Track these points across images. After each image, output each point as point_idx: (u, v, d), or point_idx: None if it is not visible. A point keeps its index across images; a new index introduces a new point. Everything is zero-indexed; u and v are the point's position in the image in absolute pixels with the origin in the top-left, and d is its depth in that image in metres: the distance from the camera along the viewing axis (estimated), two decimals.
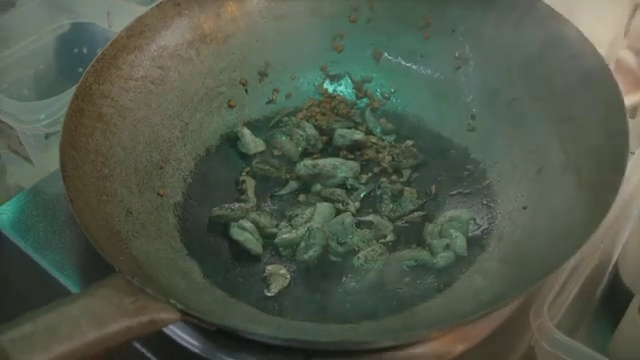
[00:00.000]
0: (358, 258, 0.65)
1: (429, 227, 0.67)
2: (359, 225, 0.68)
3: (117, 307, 0.46)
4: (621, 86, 0.64)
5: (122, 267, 0.52)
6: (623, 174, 0.56)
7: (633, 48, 0.94)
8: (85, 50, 0.91)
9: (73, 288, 0.63)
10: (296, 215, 0.70)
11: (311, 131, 0.77)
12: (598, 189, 0.58)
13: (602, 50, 0.72)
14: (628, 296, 0.69)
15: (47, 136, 0.77)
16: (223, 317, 0.57)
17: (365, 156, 0.76)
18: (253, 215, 0.69)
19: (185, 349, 0.58)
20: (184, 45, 0.75)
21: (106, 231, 0.59)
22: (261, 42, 0.80)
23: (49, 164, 0.75)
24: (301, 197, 0.73)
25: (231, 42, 0.78)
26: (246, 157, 0.76)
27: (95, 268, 0.53)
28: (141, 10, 0.75)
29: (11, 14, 0.90)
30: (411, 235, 0.68)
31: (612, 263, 0.72)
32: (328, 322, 0.61)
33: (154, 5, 0.74)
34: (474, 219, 0.68)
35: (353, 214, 0.69)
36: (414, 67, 0.80)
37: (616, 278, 0.71)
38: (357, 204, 0.71)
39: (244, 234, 0.67)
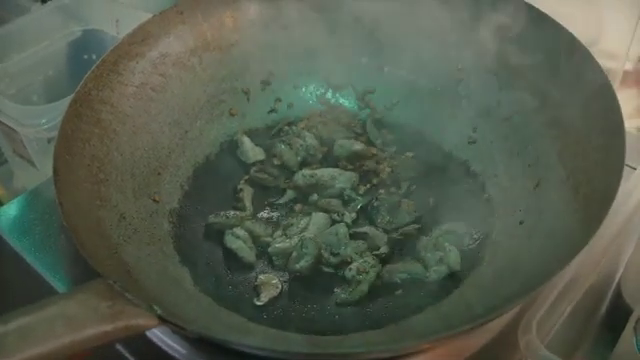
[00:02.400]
0: (350, 269, 0.64)
1: (423, 240, 0.67)
2: (354, 236, 0.68)
3: (93, 311, 0.46)
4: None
5: (105, 271, 0.52)
6: (615, 192, 0.55)
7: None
8: (94, 57, 0.92)
9: (64, 291, 0.63)
10: (291, 224, 0.70)
11: (311, 141, 0.77)
12: (591, 206, 0.57)
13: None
14: (629, 314, 0.67)
15: (49, 140, 0.78)
16: (204, 325, 0.57)
17: (364, 167, 0.75)
18: (247, 223, 0.69)
19: (169, 356, 0.58)
20: (186, 53, 0.76)
21: (96, 235, 0.59)
22: (264, 51, 0.80)
23: (50, 169, 0.76)
24: (298, 207, 0.72)
25: (234, 51, 0.79)
26: (245, 165, 0.76)
27: (87, 272, 0.53)
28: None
29: (24, 20, 0.91)
30: (405, 248, 0.67)
31: (615, 282, 0.70)
32: (316, 333, 0.60)
33: (157, 13, 0.74)
34: (470, 233, 0.67)
35: (348, 225, 0.69)
36: (416, 79, 0.79)
37: (618, 297, 0.70)
38: (353, 215, 0.71)
39: (237, 242, 0.67)
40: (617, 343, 0.64)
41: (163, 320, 0.49)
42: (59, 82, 0.92)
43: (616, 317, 0.70)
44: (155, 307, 0.50)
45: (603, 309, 0.71)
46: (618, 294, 0.70)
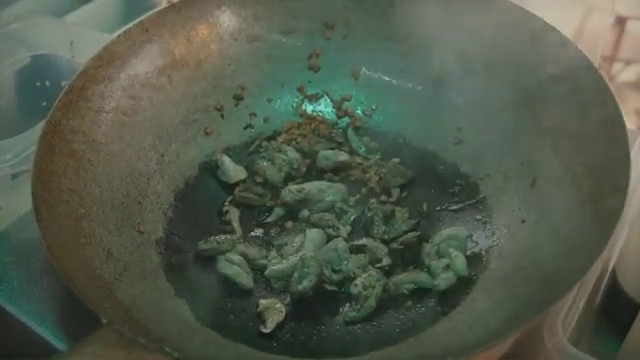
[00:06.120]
0: (355, 285, 0.62)
1: (426, 248, 0.65)
2: (352, 250, 0.65)
3: None
4: None
5: (110, 317, 0.48)
6: (627, 183, 0.54)
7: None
8: (48, 83, 0.87)
9: (54, 340, 0.59)
10: (285, 244, 0.67)
11: (293, 154, 0.74)
12: (601, 200, 0.56)
13: None
14: (629, 303, 0.67)
15: (14, 177, 0.72)
16: None
17: (351, 177, 0.73)
18: (241, 247, 0.66)
19: None
20: (155, 72, 0.72)
21: (87, 276, 0.55)
22: (235, 65, 0.77)
23: (18, 207, 0.71)
24: (289, 224, 0.69)
25: (203, 67, 0.75)
26: (227, 186, 0.72)
27: (78, 317, 0.50)
28: (106, 38, 0.71)
29: None
30: (408, 257, 0.65)
31: (609, 269, 0.70)
32: (330, 355, 0.58)
33: (121, 32, 0.70)
34: (471, 236, 0.66)
35: (345, 239, 0.66)
36: (394, 82, 0.77)
37: (615, 284, 0.70)
38: (348, 228, 0.68)
39: (233, 268, 0.64)
40: (627, 335, 0.63)
41: None
42: (11, 113, 0.86)
43: (614, 306, 0.70)
44: (167, 349, 0.46)
45: (598, 298, 0.70)
46: (614, 283, 0.70)
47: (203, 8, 0.75)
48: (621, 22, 1.73)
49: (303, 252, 0.64)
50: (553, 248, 0.58)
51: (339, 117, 0.79)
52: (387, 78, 0.78)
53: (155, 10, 0.73)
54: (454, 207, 0.70)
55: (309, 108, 0.79)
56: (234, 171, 0.73)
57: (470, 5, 0.72)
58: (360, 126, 0.78)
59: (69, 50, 0.82)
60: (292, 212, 0.70)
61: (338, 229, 0.68)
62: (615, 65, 1.86)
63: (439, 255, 0.64)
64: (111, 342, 0.44)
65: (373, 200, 0.71)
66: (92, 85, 0.67)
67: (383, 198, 0.71)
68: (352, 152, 0.75)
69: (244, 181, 0.73)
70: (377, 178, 0.73)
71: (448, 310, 0.60)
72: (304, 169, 0.74)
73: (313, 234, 0.67)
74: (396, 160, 0.74)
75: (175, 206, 0.69)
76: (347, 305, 0.62)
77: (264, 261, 0.65)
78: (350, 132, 0.77)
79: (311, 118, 0.78)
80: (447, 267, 0.63)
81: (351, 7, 0.77)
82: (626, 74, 1.90)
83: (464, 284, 0.62)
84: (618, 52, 1.80)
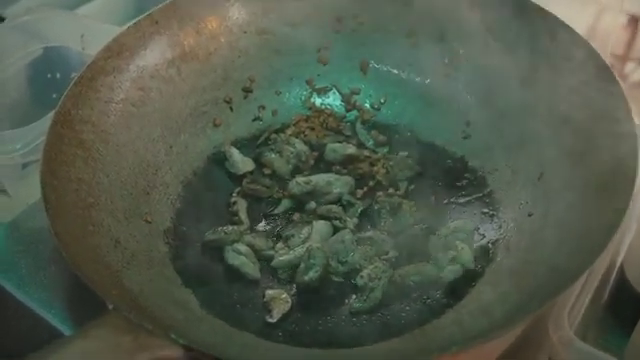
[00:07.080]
0: (361, 277, 0.62)
1: (433, 240, 0.65)
2: (359, 242, 0.66)
3: (116, 347, 0.43)
4: None
5: (117, 303, 0.48)
6: (634, 180, 0.54)
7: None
8: (58, 75, 0.87)
9: (62, 327, 0.59)
10: (292, 235, 0.67)
11: (301, 147, 0.74)
12: (607, 196, 0.56)
13: None
14: (636, 299, 0.67)
15: (24, 166, 0.73)
16: (227, 349, 0.54)
17: (359, 170, 0.73)
18: (248, 238, 0.66)
19: None
20: (164, 64, 0.72)
21: (95, 264, 0.55)
22: (244, 58, 0.77)
23: (28, 196, 0.71)
24: (296, 216, 0.70)
25: (213, 59, 0.75)
26: (235, 177, 0.73)
27: (85, 305, 0.50)
28: (116, 31, 0.72)
29: None
30: (414, 249, 0.65)
31: (617, 264, 0.70)
32: (336, 346, 0.58)
33: (131, 24, 0.71)
34: (478, 229, 0.66)
35: (352, 231, 0.66)
36: (403, 75, 0.77)
37: (622, 280, 0.69)
38: (355, 220, 0.68)
39: (240, 258, 0.64)
40: (634, 331, 0.63)
41: (188, 349, 0.46)
42: (22, 104, 0.87)
43: (621, 302, 0.70)
44: (173, 336, 0.47)
45: (606, 294, 0.70)
46: (622, 278, 0.69)
47: (212, 0, 0.75)
48: (634, 21, 1.72)
49: (310, 243, 0.64)
50: (559, 242, 0.58)
51: (347, 110, 0.79)
52: (396, 72, 0.78)
53: (165, 2, 0.73)
54: (461, 200, 0.70)
55: (318, 101, 0.79)
56: (242, 163, 0.73)
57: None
58: (368, 119, 0.78)
59: (80, 43, 0.83)
60: (299, 204, 0.70)
61: (345, 221, 0.68)
62: (628, 64, 1.85)
63: (446, 247, 0.64)
64: (118, 326, 0.45)
65: (380, 193, 0.71)
66: (101, 76, 0.67)
67: (390, 191, 0.71)
68: (360, 145, 0.76)
69: (252, 173, 0.73)
70: (385, 171, 0.73)
71: (454, 302, 0.60)
72: (312, 161, 0.74)
73: (320, 226, 0.67)
74: (404, 153, 0.74)
75: (183, 197, 0.70)
76: (353, 296, 0.62)
77: (271, 252, 0.66)
78: (358, 125, 0.77)
79: (319, 111, 0.78)
80: (453, 259, 0.63)
81: (360, 1, 0.77)
82: (638, 74, 1.89)
83: (470, 276, 0.62)
84: (631, 51, 1.79)
